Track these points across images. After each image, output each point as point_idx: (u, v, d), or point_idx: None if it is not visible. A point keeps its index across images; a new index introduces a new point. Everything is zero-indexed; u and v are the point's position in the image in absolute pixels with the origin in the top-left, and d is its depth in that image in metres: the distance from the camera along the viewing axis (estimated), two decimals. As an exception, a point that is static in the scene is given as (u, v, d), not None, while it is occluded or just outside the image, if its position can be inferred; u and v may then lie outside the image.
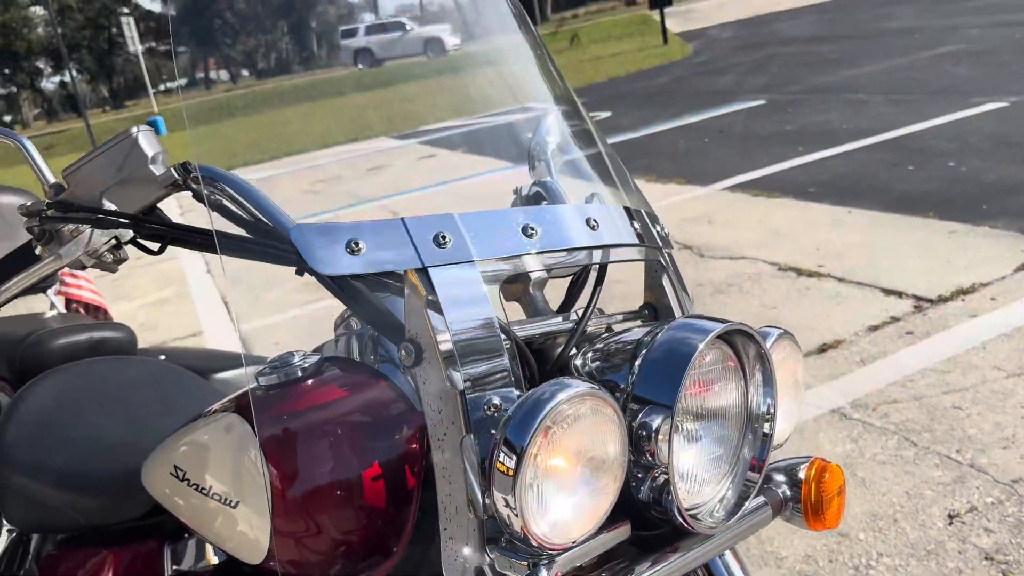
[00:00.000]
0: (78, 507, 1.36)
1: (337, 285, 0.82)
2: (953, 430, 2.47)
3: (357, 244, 0.80)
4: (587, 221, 0.92)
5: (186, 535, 1.24)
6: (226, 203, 0.90)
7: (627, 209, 1.02)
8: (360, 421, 0.93)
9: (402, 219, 0.83)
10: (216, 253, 0.87)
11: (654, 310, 1.04)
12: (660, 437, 0.73)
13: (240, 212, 0.91)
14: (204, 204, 0.90)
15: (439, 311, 0.78)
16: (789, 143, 6.94)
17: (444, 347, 0.77)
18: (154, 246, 0.92)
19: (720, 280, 4.06)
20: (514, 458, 0.66)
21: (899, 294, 3.48)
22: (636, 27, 24.39)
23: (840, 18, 17.14)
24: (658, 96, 11.58)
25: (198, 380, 1.69)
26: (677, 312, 1.02)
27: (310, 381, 0.96)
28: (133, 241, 0.93)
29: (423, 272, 0.79)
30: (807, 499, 0.90)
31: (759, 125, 8.08)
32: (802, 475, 0.92)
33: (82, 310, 2.19)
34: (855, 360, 2.99)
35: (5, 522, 1.57)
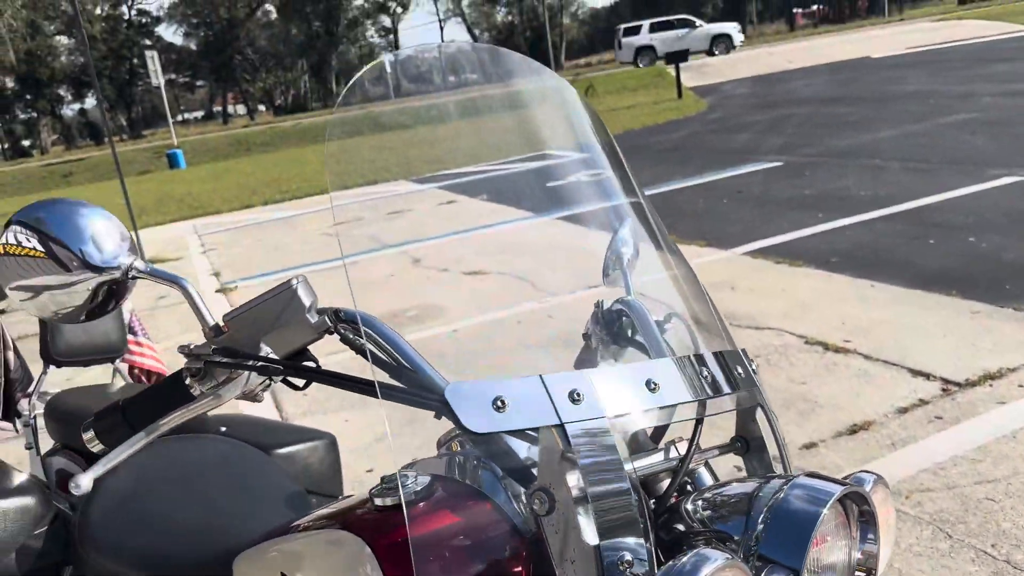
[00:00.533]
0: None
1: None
2: (987, 523, 2.50)
3: (503, 403, 0.86)
4: (700, 374, 0.98)
5: None
6: (370, 347, 0.97)
7: (721, 354, 1.07)
8: (472, 545, 0.98)
9: (540, 376, 0.90)
10: (369, 395, 0.94)
11: (746, 443, 1.10)
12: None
13: (383, 356, 0.97)
14: (352, 349, 0.97)
15: (574, 464, 0.84)
16: (808, 208, 7.04)
17: (578, 498, 0.83)
18: (300, 382, 0.99)
19: (752, 351, 4.11)
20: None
21: (927, 376, 3.53)
22: (651, 79, 24.75)
23: (853, 79, 17.40)
24: (674, 152, 11.74)
25: (262, 457, 1.75)
26: (773, 450, 1.07)
27: (423, 504, 1.01)
28: (283, 379, 0.99)
29: (560, 427, 0.86)
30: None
31: (777, 188, 8.19)
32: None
33: (144, 378, 2.25)
34: (886, 444, 3.03)
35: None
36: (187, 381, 0.99)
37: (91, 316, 1.04)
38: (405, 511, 1.00)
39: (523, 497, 0.89)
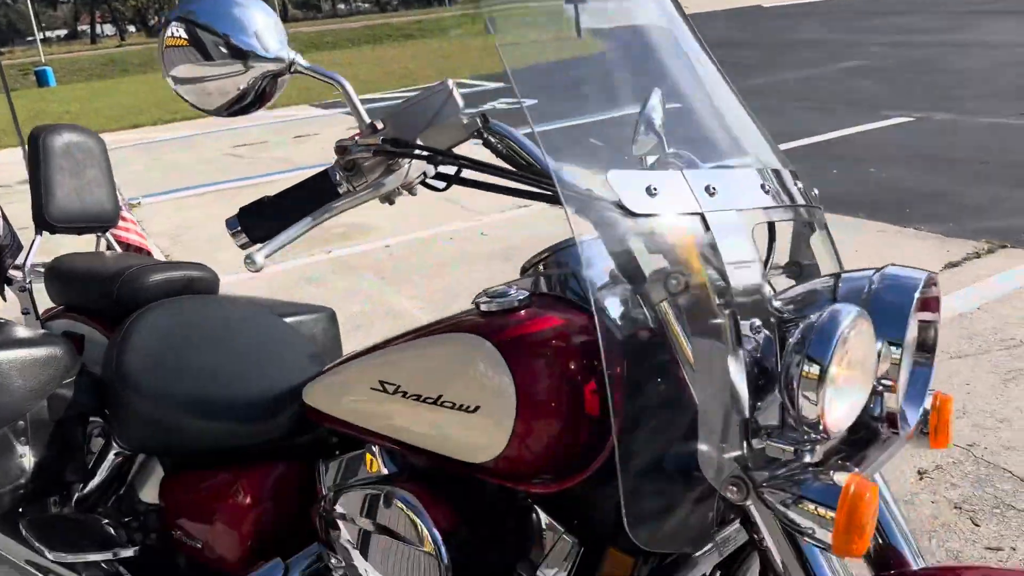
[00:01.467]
0: (208, 431, 1.45)
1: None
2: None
3: (655, 189, 0.95)
4: (784, 186, 1.09)
5: (337, 452, 1.36)
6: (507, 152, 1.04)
7: (776, 171, 1.16)
8: (579, 342, 1.08)
9: (682, 171, 0.99)
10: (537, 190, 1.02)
11: (799, 267, 1.23)
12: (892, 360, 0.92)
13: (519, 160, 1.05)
14: (496, 155, 1.04)
15: (714, 249, 0.94)
16: (719, 141, 7.32)
17: (714, 279, 0.93)
18: (440, 184, 1.05)
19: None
20: (817, 366, 0.84)
21: (845, 284, 3.83)
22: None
23: (750, 26, 17.94)
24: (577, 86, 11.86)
25: (281, 321, 1.78)
26: (834, 266, 1.18)
27: (530, 308, 1.11)
28: (423, 181, 1.05)
29: (701, 216, 0.95)
30: (933, 424, 1.11)
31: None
32: (928, 404, 1.13)
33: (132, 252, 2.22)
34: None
35: (114, 444, 1.63)
36: (336, 178, 1.03)
37: (240, 111, 1.06)
38: (512, 314, 1.08)
39: (650, 285, 0.97)
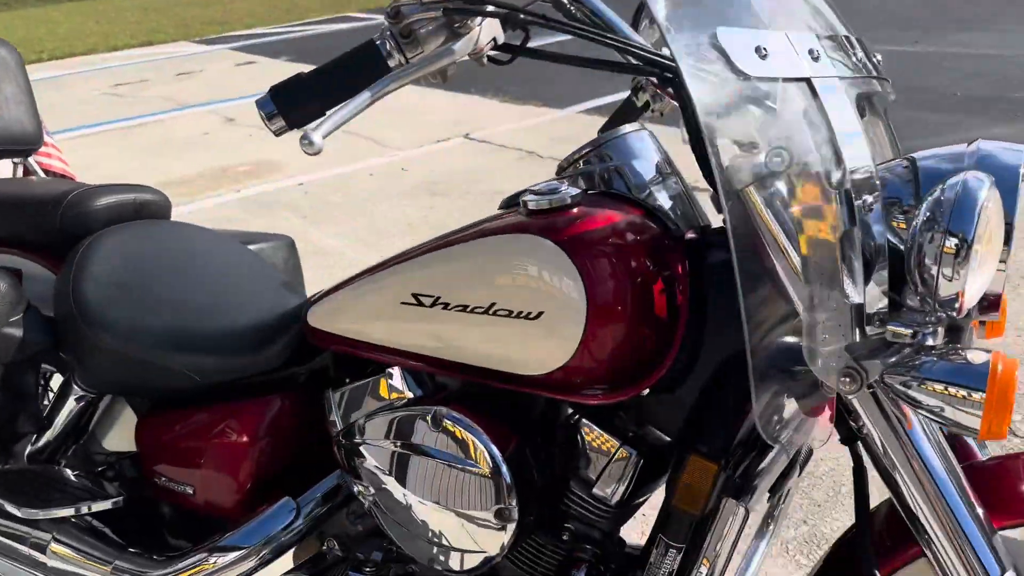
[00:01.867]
0: (189, 366, 1.30)
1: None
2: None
3: (765, 51, 0.85)
4: (851, 55, 1.00)
5: (347, 379, 1.23)
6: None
7: (859, 39, 1.07)
8: (640, 239, 0.99)
9: (786, 33, 0.89)
10: (581, 66, 0.90)
11: None
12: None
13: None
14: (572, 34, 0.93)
15: (824, 119, 0.85)
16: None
17: (825, 153, 0.85)
18: (504, 57, 0.93)
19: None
20: (957, 240, 0.77)
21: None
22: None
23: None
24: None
25: (246, 249, 1.62)
26: (890, 149, 1.11)
27: (583, 205, 1.00)
28: (496, 47, 0.92)
29: (807, 82, 0.86)
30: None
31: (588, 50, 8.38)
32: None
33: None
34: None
35: (75, 387, 1.44)
36: (387, 48, 0.89)
37: None
38: (571, 210, 0.98)
39: (746, 161, 0.88)
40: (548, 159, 5.02)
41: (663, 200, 1.07)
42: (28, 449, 1.50)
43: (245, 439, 1.29)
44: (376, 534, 1.22)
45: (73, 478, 1.43)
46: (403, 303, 1.07)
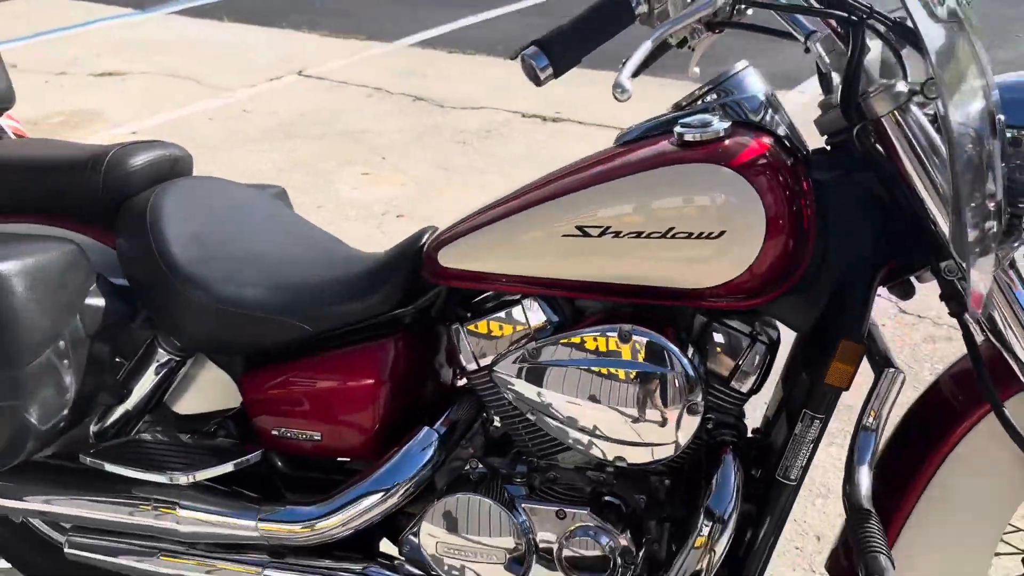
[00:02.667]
0: (303, 316, 1.32)
1: None
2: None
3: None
4: None
5: (470, 314, 1.31)
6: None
7: None
8: (788, 162, 1.15)
9: None
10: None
11: None
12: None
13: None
14: None
15: (975, 50, 1.03)
16: (446, 4, 7.29)
17: (978, 83, 1.03)
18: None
19: (478, 127, 4.38)
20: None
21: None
22: None
23: None
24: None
25: (275, 200, 1.62)
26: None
27: (732, 138, 1.15)
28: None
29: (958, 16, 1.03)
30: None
31: None
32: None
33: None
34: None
35: (162, 351, 1.39)
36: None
37: None
38: (725, 140, 1.12)
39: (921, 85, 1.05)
40: (399, 95, 5.00)
41: (779, 128, 1.24)
42: (98, 425, 1.43)
43: (371, 381, 1.33)
44: (516, 451, 1.34)
45: (185, 441, 1.40)
46: (565, 235, 1.17)
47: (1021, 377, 1.13)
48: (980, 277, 1.02)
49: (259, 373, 1.37)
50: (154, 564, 1.39)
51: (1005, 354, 1.11)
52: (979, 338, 1.15)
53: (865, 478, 1.14)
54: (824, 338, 1.18)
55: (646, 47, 0.98)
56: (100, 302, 1.33)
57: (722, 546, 1.20)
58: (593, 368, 1.16)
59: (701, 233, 1.11)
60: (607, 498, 1.28)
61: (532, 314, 1.25)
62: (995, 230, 1.03)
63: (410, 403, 1.37)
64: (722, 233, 1.10)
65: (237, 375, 1.41)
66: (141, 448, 1.38)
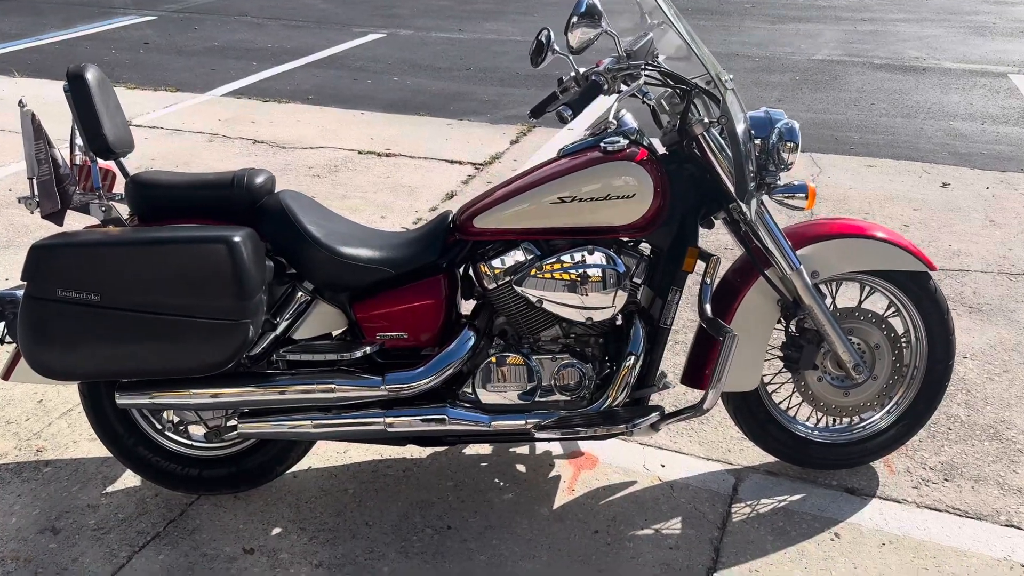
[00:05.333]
0: (389, 263, 2.25)
1: None
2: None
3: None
4: None
5: (487, 256, 2.30)
6: None
7: None
8: (656, 159, 2.29)
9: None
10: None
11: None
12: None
13: None
14: None
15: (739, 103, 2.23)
16: (236, 58, 7.94)
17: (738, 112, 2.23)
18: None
19: (325, 163, 5.22)
20: (793, 143, 2.23)
21: (460, 162, 5.25)
22: None
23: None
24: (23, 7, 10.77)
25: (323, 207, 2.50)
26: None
27: (630, 147, 2.26)
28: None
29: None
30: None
31: (179, 39, 8.75)
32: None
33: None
34: (475, 200, 4.66)
35: (301, 293, 2.23)
36: (603, 82, 2.05)
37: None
38: (627, 148, 2.24)
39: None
40: (238, 139, 5.67)
41: (645, 141, 2.35)
42: (253, 349, 2.22)
43: (433, 301, 2.27)
44: (516, 335, 2.34)
45: (332, 344, 2.25)
46: (552, 203, 2.20)
47: (769, 258, 2.33)
48: (749, 208, 2.21)
49: (367, 301, 2.25)
50: (305, 427, 2.23)
51: (762, 247, 2.30)
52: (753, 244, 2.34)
53: (708, 308, 2.29)
54: (678, 249, 2.31)
55: (604, 102, 2.07)
56: (270, 264, 2.15)
57: (639, 367, 2.28)
58: (578, 271, 2.20)
59: (622, 195, 2.19)
60: (576, 349, 2.32)
61: (528, 251, 2.26)
62: (754, 184, 2.22)
63: (452, 315, 2.32)
64: (632, 195, 2.19)
65: (344, 307, 2.28)
66: (312, 348, 2.22)
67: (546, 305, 2.23)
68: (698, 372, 2.40)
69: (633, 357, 2.26)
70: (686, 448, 2.69)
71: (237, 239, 2.00)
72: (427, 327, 2.27)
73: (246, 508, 2.44)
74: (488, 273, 2.26)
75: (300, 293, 2.24)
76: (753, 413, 2.51)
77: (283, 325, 2.25)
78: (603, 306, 2.22)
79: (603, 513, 2.41)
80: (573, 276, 2.20)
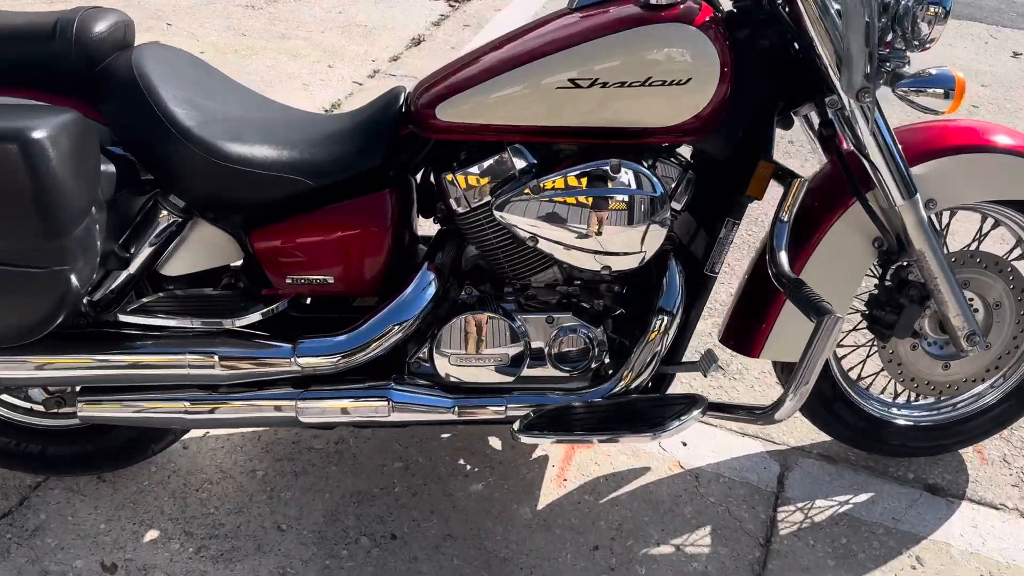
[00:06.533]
0: (310, 171, 1.46)
1: None
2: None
3: None
4: None
5: (456, 164, 1.52)
6: None
7: None
8: (722, 21, 1.47)
9: None
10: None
11: None
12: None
13: None
14: None
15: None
16: None
17: None
18: None
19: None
20: (939, 8, 1.41)
21: (431, -3, 4.29)
22: None
23: None
24: None
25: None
26: None
27: (686, 5, 1.43)
28: None
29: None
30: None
31: None
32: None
33: None
34: (448, 47, 3.77)
35: (166, 212, 1.45)
36: None
37: None
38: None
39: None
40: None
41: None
42: (99, 292, 1.46)
43: (375, 228, 1.50)
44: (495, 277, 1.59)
45: (209, 295, 1.48)
46: (559, 88, 1.40)
47: (872, 177, 1.57)
48: (862, 104, 1.43)
49: (270, 228, 1.48)
50: (174, 412, 1.51)
51: (867, 162, 1.54)
52: (846, 148, 1.57)
53: (784, 258, 1.55)
54: (743, 162, 1.54)
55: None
56: (111, 168, 1.35)
57: (671, 335, 1.56)
58: (593, 195, 1.44)
59: (672, 80, 1.40)
60: (582, 303, 1.59)
61: (517, 159, 1.48)
62: (869, 70, 1.43)
63: (402, 248, 1.57)
64: (688, 80, 1.40)
65: (237, 233, 1.51)
66: (175, 302, 1.45)
67: (542, 244, 1.49)
68: (748, 333, 1.70)
69: (666, 317, 1.54)
70: (714, 417, 2.02)
71: (38, 135, 1.20)
72: (364, 268, 1.52)
73: (112, 499, 1.76)
74: (456, 190, 1.50)
75: (164, 212, 1.46)
76: (815, 388, 1.83)
77: (142, 257, 1.48)
78: (628, 250, 1.48)
79: (604, 518, 1.76)
80: (585, 202, 1.44)
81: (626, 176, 1.44)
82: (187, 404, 1.50)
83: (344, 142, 1.49)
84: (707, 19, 1.41)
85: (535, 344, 1.57)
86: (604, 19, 1.43)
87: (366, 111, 1.55)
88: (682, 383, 2.08)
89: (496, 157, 1.48)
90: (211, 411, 1.52)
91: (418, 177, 1.61)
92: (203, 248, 1.51)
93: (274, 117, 1.54)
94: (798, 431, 1.98)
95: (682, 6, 1.41)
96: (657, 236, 1.47)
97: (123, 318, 1.43)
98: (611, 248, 1.47)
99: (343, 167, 1.47)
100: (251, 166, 1.41)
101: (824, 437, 1.94)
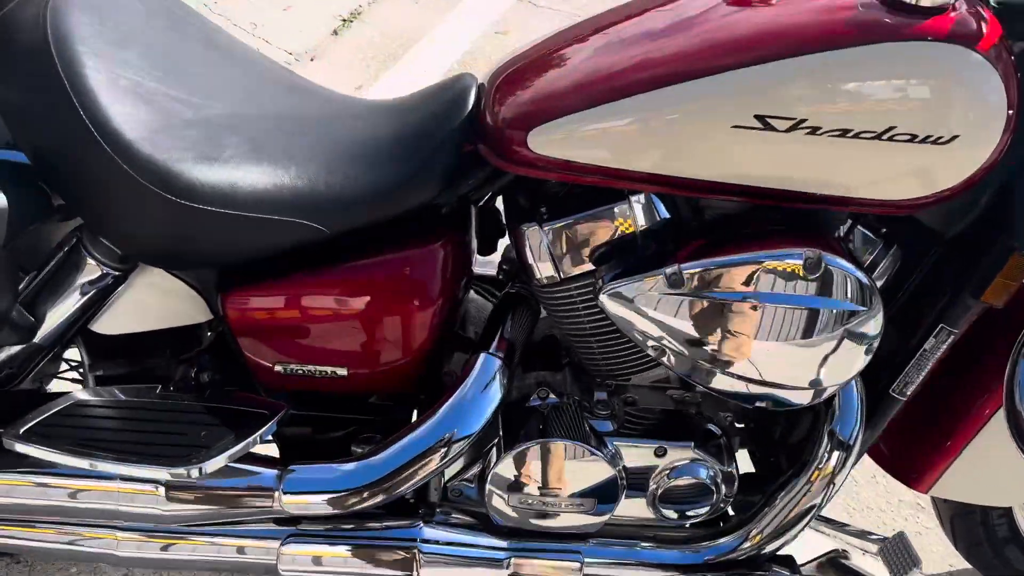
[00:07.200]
0: (319, 215, 0.93)
1: None
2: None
3: None
4: None
5: (545, 212, 0.98)
6: None
7: None
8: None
9: None
10: None
11: None
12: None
13: None
14: None
15: None
16: None
17: None
18: None
19: None
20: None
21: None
22: None
23: None
24: None
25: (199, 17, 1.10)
26: None
27: (967, 8, 0.87)
28: None
29: None
30: None
31: None
32: None
33: None
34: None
35: (95, 263, 0.92)
36: None
37: None
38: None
39: None
40: None
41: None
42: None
43: (418, 297, 0.98)
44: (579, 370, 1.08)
45: (144, 400, 0.96)
46: (736, 126, 0.85)
47: None
48: None
49: (253, 290, 0.95)
50: (109, 547, 1.00)
51: None
52: None
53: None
54: (982, 248, 1.01)
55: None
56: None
57: (846, 472, 1.06)
58: (767, 304, 0.91)
59: (929, 137, 0.85)
60: (710, 427, 1.08)
61: (643, 217, 0.95)
62: None
63: (455, 320, 1.04)
64: (954, 138, 0.85)
65: (206, 286, 0.98)
66: (87, 422, 0.92)
67: (669, 359, 0.97)
68: (912, 459, 1.21)
69: (837, 451, 1.04)
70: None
71: None
72: (398, 355, 1.00)
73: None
74: (542, 250, 0.96)
75: (91, 262, 0.93)
76: (988, 528, 1.35)
77: (55, 322, 0.95)
78: (805, 383, 0.96)
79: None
80: (753, 309, 0.92)
81: (828, 278, 0.90)
82: (118, 536, 1.00)
83: (381, 163, 0.94)
84: (998, 42, 0.85)
85: (636, 479, 1.07)
86: (824, 18, 0.86)
87: (418, 110, 1.00)
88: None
89: (611, 209, 0.95)
90: (161, 548, 1.01)
91: (479, 202, 1.07)
92: (152, 306, 0.99)
93: (276, 109, 0.98)
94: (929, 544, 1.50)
95: (957, 15, 0.84)
96: (856, 362, 0.95)
97: (7, 443, 0.91)
98: (786, 379, 0.95)
99: (374, 207, 0.94)
100: (232, 206, 0.87)
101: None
